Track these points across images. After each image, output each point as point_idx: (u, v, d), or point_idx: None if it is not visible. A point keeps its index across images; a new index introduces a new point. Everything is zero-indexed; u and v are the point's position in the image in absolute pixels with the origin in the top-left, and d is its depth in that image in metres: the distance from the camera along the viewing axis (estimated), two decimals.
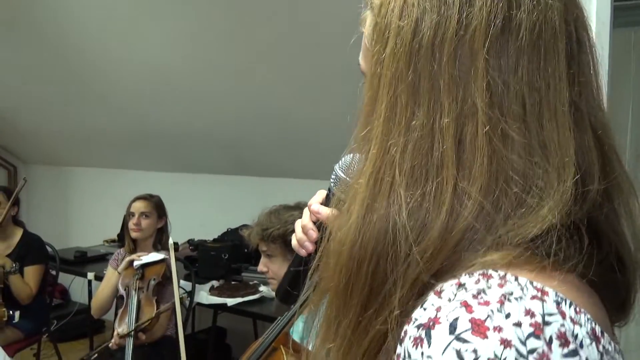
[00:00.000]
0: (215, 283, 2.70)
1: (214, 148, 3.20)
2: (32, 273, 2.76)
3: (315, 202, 0.67)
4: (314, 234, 0.66)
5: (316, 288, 0.46)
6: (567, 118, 0.38)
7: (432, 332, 0.34)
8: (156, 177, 3.72)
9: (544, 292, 0.34)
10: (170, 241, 1.46)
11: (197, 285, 2.62)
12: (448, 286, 0.36)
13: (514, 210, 0.37)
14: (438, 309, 0.34)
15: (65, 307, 4.00)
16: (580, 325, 0.34)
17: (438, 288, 0.36)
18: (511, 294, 0.34)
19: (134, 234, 2.42)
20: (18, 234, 2.84)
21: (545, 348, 0.32)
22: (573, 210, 0.37)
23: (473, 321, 0.33)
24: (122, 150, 3.71)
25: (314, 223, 0.66)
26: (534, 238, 0.36)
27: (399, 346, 0.36)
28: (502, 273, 0.35)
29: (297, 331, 1.39)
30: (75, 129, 3.71)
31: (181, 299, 2.59)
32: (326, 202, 0.66)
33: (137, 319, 2.12)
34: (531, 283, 0.35)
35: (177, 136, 3.22)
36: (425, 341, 0.34)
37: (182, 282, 2.67)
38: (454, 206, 0.37)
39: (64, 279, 3.77)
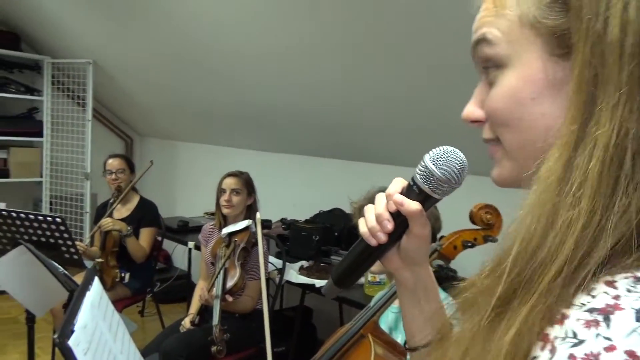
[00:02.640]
0: (304, 263, 2.75)
1: (311, 131, 3.22)
2: (146, 234, 3.01)
3: (395, 191, 0.62)
4: (389, 225, 0.61)
5: (467, 293, 0.44)
6: None
7: (612, 317, 0.33)
8: (255, 156, 3.85)
9: None
10: (258, 215, 1.47)
11: (287, 263, 2.67)
12: (622, 278, 0.35)
13: None
14: (616, 297, 0.34)
15: (168, 272, 4.33)
16: None
17: (609, 279, 0.35)
18: None
19: (225, 210, 2.50)
20: (136, 199, 3.11)
21: None
22: None
23: None
24: (227, 128, 3.88)
25: (391, 214, 0.62)
26: None
27: (551, 328, 0.36)
28: None
29: (385, 321, 1.35)
30: (185, 107, 3.94)
31: (271, 275, 2.68)
32: (407, 193, 0.61)
33: (224, 281, 2.22)
34: None
35: (276, 118, 3.28)
36: (602, 324, 0.33)
37: (272, 258, 2.74)
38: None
39: (168, 245, 4.07)
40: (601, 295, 0.34)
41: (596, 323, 0.33)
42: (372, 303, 1.36)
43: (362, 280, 2.40)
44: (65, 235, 2.13)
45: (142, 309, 3.86)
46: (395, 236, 0.63)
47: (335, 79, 2.63)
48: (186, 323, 2.34)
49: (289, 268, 2.66)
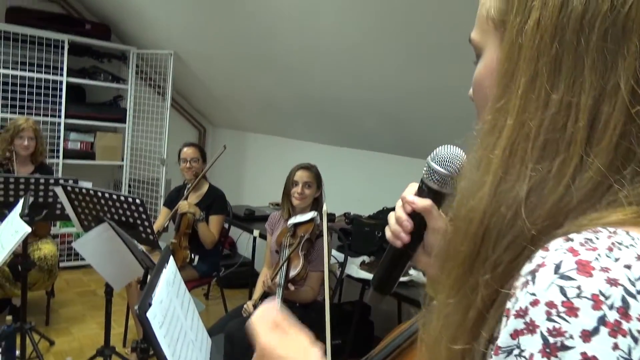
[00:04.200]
0: (366, 258, 2.75)
1: (380, 126, 3.21)
2: (215, 221, 3.13)
3: (408, 194, 0.69)
4: (409, 225, 0.67)
5: (444, 252, 0.48)
6: None
7: (537, 273, 0.35)
8: (321, 149, 3.89)
9: None
10: (325, 207, 1.49)
11: (348, 257, 2.69)
12: (555, 240, 0.37)
13: (631, 183, 0.38)
14: (544, 257, 0.36)
15: (232, 258, 4.48)
16: None
17: (546, 245, 0.37)
18: (621, 242, 0.34)
19: (296, 202, 2.55)
20: (205, 186, 3.25)
21: None
22: None
23: (579, 262, 0.34)
24: (295, 121, 3.95)
25: (408, 215, 0.67)
26: None
27: (508, 302, 0.37)
28: (612, 229, 0.36)
29: None
30: (257, 99, 4.05)
31: (332, 268, 2.71)
32: (419, 194, 0.68)
33: (287, 271, 2.27)
34: None
35: (346, 111, 3.30)
36: (530, 282, 0.35)
37: (334, 252, 2.77)
38: (574, 180, 0.38)
39: (233, 232, 4.21)
40: (536, 258, 0.37)
41: (526, 283, 0.35)
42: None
43: (424, 279, 2.37)
44: (144, 216, 2.27)
45: (207, 293, 4.03)
46: (417, 235, 0.68)
47: (403, 74, 2.61)
48: (249, 307, 2.43)
49: (350, 262, 2.68)
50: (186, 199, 3.02)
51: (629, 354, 0.31)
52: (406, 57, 2.49)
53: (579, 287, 0.33)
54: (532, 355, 0.33)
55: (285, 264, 2.28)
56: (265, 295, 2.43)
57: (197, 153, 3.19)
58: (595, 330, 0.31)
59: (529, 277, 0.35)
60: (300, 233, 2.40)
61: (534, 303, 0.34)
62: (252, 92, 3.99)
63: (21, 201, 1.93)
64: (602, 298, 0.32)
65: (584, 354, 0.31)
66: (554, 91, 0.39)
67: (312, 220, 2.43)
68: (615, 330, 0.31)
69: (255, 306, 2.39)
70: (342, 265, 2.64)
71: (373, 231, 2.87)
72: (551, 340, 0.32)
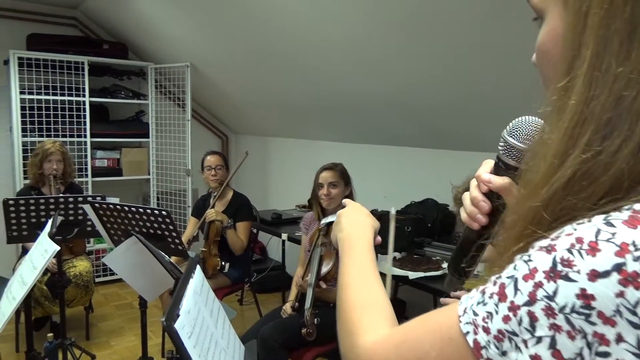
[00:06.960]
0: (397, 255, 2.71)
1: (401, 120, 3.16)
2: (242, 228, 3.14)
3: (484, 172, 0.64)
4: (485, 205, 0.62)
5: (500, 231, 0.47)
6: None
7: (593, 218, 0.35)
8: (344, 148, 3.86)
9: None
10: (393, 211, 1.45)
11: (379, 255, 2.65)
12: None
13: None
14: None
15: (264, 263, 4.49)
16: None
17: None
18: None
19: (324, 204, 2.54)
20: (230, 193, 3.26)
21: None
22: None
23: (631, 216, 0.33)
24: (317, 122, 3.93)
25: (484, 194, 0.63)
26: None
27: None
28: None
29: None
30: (276, 102, 4.05)
31: None
32: (495, 172, 0.62)
33: (319, 269, 2.25)
34: None
35: (365, 108, 3.26)
36: (576, 229, 0.35)
37: None
38: (632, 159, 0.35)
39: (263, 237, 4.22)
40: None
41: (574, 230, 0.36)
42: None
43: None
44: (171, 227, 2.28)
45: (241, 298, 4.05)
46: (495, 215, 0.62)
47: (423, 67, 2.56)
48: (287, 308, 2.42)
49: (381, 259, 2.63)
50: (212, 207, 3.03)
51: (635, 306, 0.30)
52: (422, 47, 2.44)
53: (613, 234, 0.32)
54: (535, 268, 0.34)
55: (316, 262, 2.26)
56: (301, 295, 2.41)
57: (221, 160, 3.21)
58: (606, 274, 0.31)
59: (574, 225, 0.36)
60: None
61: (568, 234, 0.35)
62: (270, 96, 3.99)
63: (50, 221, 1.96)
64: (631, 247, 0.31)
65: (583, 289, 0.32)
66: (624, 63, 0.34)
67: None
68: (629, 280, 0.30)
69: (292, 307, 2.38)
70: None
71: (402, 227, 2.83)
72: (559, 267, 0.33)
